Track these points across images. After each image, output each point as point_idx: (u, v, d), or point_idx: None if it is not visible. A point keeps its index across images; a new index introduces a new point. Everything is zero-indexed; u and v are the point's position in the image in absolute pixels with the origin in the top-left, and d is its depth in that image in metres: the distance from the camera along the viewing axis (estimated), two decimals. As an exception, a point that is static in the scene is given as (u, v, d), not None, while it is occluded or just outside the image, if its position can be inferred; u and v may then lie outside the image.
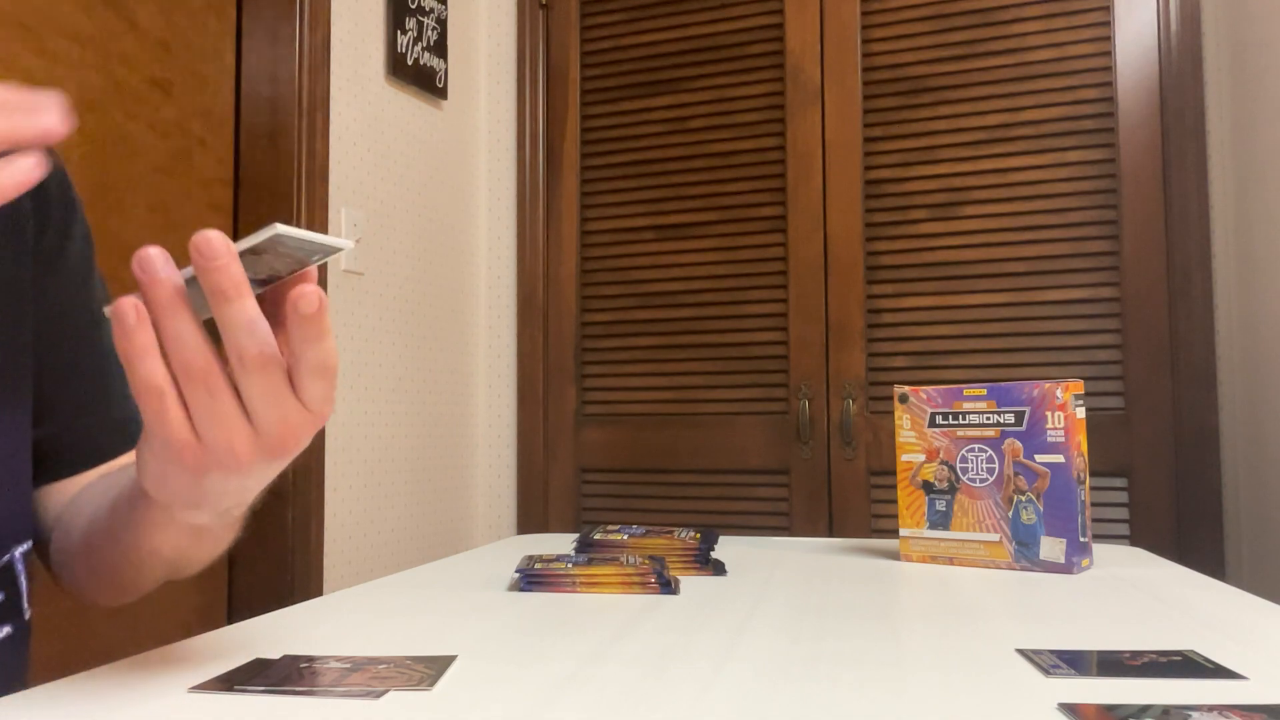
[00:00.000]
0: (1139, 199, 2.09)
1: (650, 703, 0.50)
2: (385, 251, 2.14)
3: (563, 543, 1.14)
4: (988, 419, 0.95)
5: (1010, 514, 0.93)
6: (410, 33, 2.21)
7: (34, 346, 0.68)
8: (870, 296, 2.25)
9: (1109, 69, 2.12)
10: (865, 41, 2.28)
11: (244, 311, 0.44)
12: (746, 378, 2.33)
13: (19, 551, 0.65)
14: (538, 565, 0.84)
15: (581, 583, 0.82)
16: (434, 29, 2.30)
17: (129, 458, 0.71)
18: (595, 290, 2.47)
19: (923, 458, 0.99)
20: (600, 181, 2.48)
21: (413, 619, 0.71)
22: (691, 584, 0.86)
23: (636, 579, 0.81)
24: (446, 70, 2.36)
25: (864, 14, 2.28)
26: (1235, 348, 2.01)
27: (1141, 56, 2.11)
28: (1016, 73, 2.17)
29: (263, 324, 0.44)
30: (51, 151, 0.73)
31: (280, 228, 0.43)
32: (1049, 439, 0.92)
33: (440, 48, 2.33)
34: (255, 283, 0.46)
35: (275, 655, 0.59)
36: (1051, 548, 0.91)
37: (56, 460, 0.70)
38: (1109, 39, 2.12)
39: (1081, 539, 0.91)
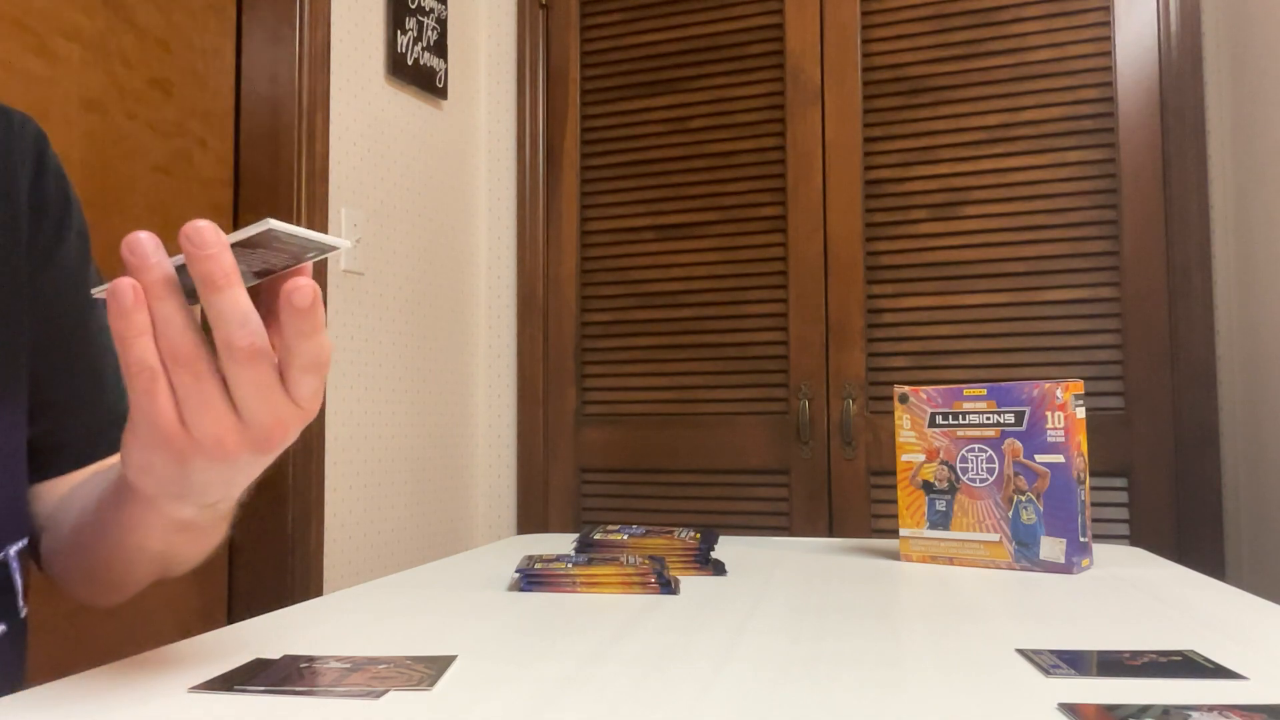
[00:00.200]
0: (1139, 199, 2.09)
1: (650, 703, 0.50)
2: (385, 251, 2.14)
3: (563, 543, 1.14)
4: (988, 419, 0.95)
5: (1010, 514, 0.93)
6: (410, 33, 2.21)
7: (29, 344, 0.68)
8: (870, 296, 2.25)
9: (1109, 69, 2.12)
10: (865, 41, 2.28)
11: (234, 301, 0.44)
12: (746, 378, 2.33)
13: (13, 550, 0.65)
14: (538, 565, 0.84)
15: (581, 583, 0.82)
16: (434, 29, 2.30)
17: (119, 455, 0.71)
18: (595, 290, 2.47)
19: (923, 458, 0.99)
20: (600, 181, 2.48)
21: (413, 619, 0.71)
22: (691, 584, 0.86)
23: (636, 579, 0.81)
24: (446, 70, 2.36)
25: (864, 14, 2.28)
26: (1235, 348, 2.01)
27: (1141, 56, 2.11)
28: (1016, 73, 2.17)
29: (253, 316, 0.44)
30: (50, 150, 0.73)
31: (272, 222, 0.43)
32: (1049, 439, 0.92)
33: (440, 48, 2.33)
34: (249, 276, 0.46)
35: (275, 655, 0.59)
36: (1051, 548, 0.91)
37: (49, 458, 0.70)
38: (1109, 39, 2.12)
39: (1081, 539, 0.91)
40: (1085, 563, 0.92)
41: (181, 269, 0.44)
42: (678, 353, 2.39)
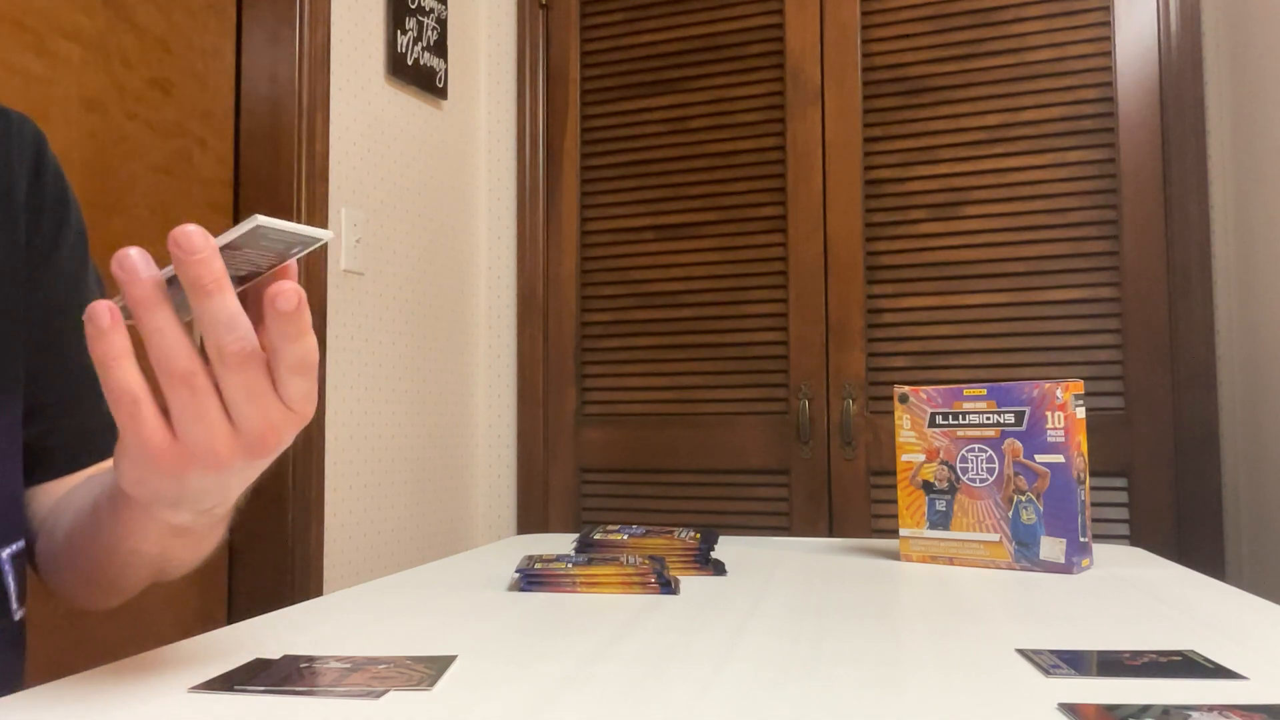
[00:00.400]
0: (1139, 199, 2.09)
1: (650, 703, 0.50)
2: (385, 251, 2.14)
3: (563, 543, 1.14)
4: (988, 419, 0.95)
5: (1010, 514, 0.93)
6: (410, 33, 2.21)
7: (25, 346, 0.67)
8: (870, 296, 2.25)
9: (1109, 69, 2.12)
10: (865, 41, 2.28)
11: (224, 307, 0.43)
12: (746, 378, 2.33)
13: (7, 552, 0.65)
14: (538, 565, 0.84)
15: (581, 583, 0.82)
16: (434, 29, 2.30)
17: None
18: (595, 290, 2.47)
19: (923, 458, 0.99)
20: (600, 181, 2.48)
21: (413, 619, 0.71)
22: (691, 584, 0.86)
23: (636, 579, 0.81)
24: (446, 70, 2.36)
25: (864, 14, 2.28)
26: (1235, 348, 2.01)
27: (1141, 56, 2.11)
28: (1016, 73, 2.17)
29: (243, 319, 0.44)
30: (49, 151, 0.73)
31: (261, 219, 0.43)
32: (1049, 439, 0.92)
33: (440, 48, 2.33)
34: (235, 279, 0.46)
35: (275, 655, 0.59)
36: (1051, 548, 0.91)
37: (44, 461, 0.70)
38: (1109, 39, 2.12)
39: (1081, 539, 0.91)
40: (1085, 563, 0.92)
41: (172, 280, 0.44)
42: (678, 353, 2.39)
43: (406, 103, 2.23)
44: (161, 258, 0.44)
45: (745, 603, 0.77)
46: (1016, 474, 0.94)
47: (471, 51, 2.53)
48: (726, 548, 1.09)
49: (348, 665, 0.57)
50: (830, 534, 2.24)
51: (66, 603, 0.70)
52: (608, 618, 0.71)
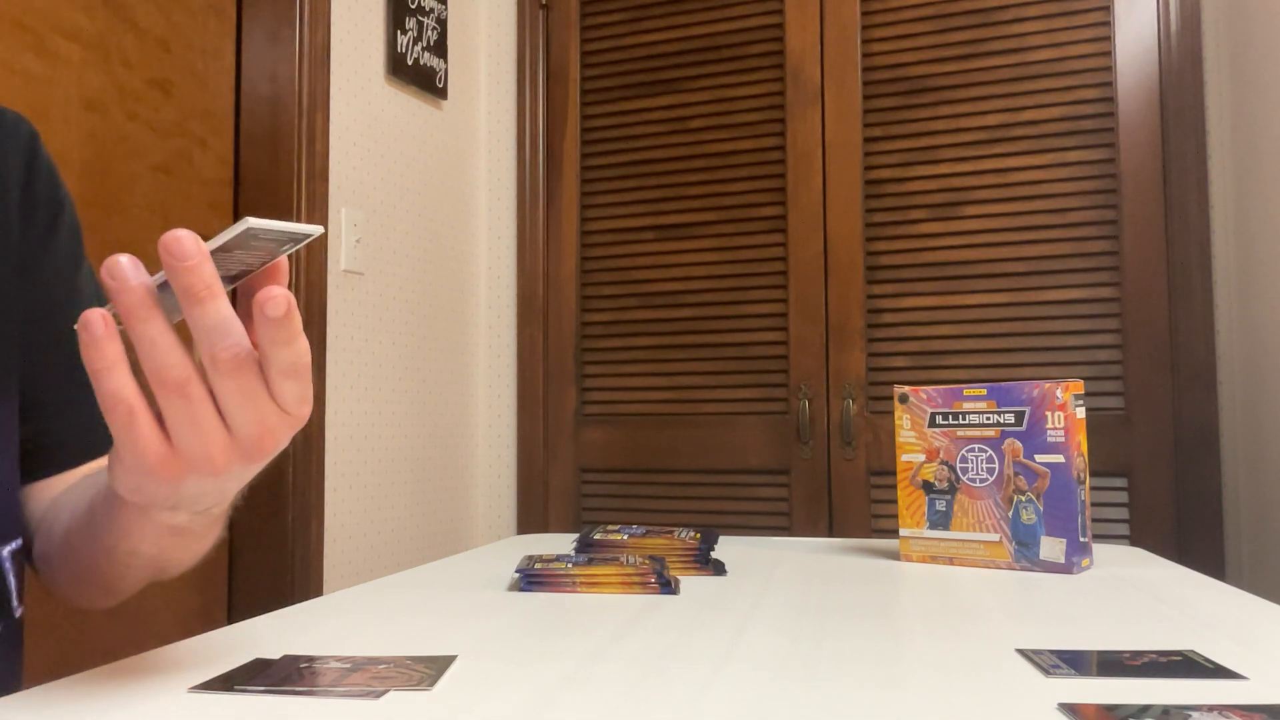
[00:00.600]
0: (1139, 199, 2.09)
1: (650, 703, 0.50)
2: (385, 251, 2.14)
3: (563, 543, 1.14)
4: (988, 419, 0.95)
5: (1010, 514, 0.93)
6: (410, 33, 2.21)
7: (20, 344, 0.67)
8: (870, 296, 2.25)
9: (1109, 69, 2.12)
10: (865, 41, 2.28)
11: (217, 312, 0.43)
12: (746, 378, 2.33)
13: (7, 550, 0.65)
14: (538, 565, 0.84)
15: (581, 583, 0.82)
16: (434, 29, 2.30)
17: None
18: (595, 290, 2.47)
19: (923, 458, 0.99)
20: (600, 181, 2.48)
21: (413, 619, 0.71)
22: (691, 584, 0.86)
23: (636, 579, 0.81)
24: (446, 70, 2.36)
25: (864, 14, 2.28)
26: (1235, 348, 2.01)
27: (1141, 56, 2.11)
28: (1016, 73, 2.17)
29: (236, 324, 0.44)
30: (43, 150, 0.72)
31: (252, 221, 0.42)
32: (1049, 439, 0.92)
33: (440, 48, 2.33)
34: (226, 280, 0.45)
35: (275, 655, 0.59)
36: (1051, 548, 0.91)
37: (40, 459, 0.70)
38: (1109, 39, 2.12)
39: (1081, 539, 0.91)
40: (1085, 563, 0.92)
41: (163, 286, 0.44)
42: (677, 353, 2.39)
43: (406, 103, 2.23)
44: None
45: (745, 603, 0.77)
46: (1016, 474, 0.94)
47: (471, 51, 2.53)
48: (726, 548, 1.09)
49: (348, 665, 0.57)
50: (830, 534, 2.24)
51: (64, 602, 0.70)
52: (608, 618, 0.71)
